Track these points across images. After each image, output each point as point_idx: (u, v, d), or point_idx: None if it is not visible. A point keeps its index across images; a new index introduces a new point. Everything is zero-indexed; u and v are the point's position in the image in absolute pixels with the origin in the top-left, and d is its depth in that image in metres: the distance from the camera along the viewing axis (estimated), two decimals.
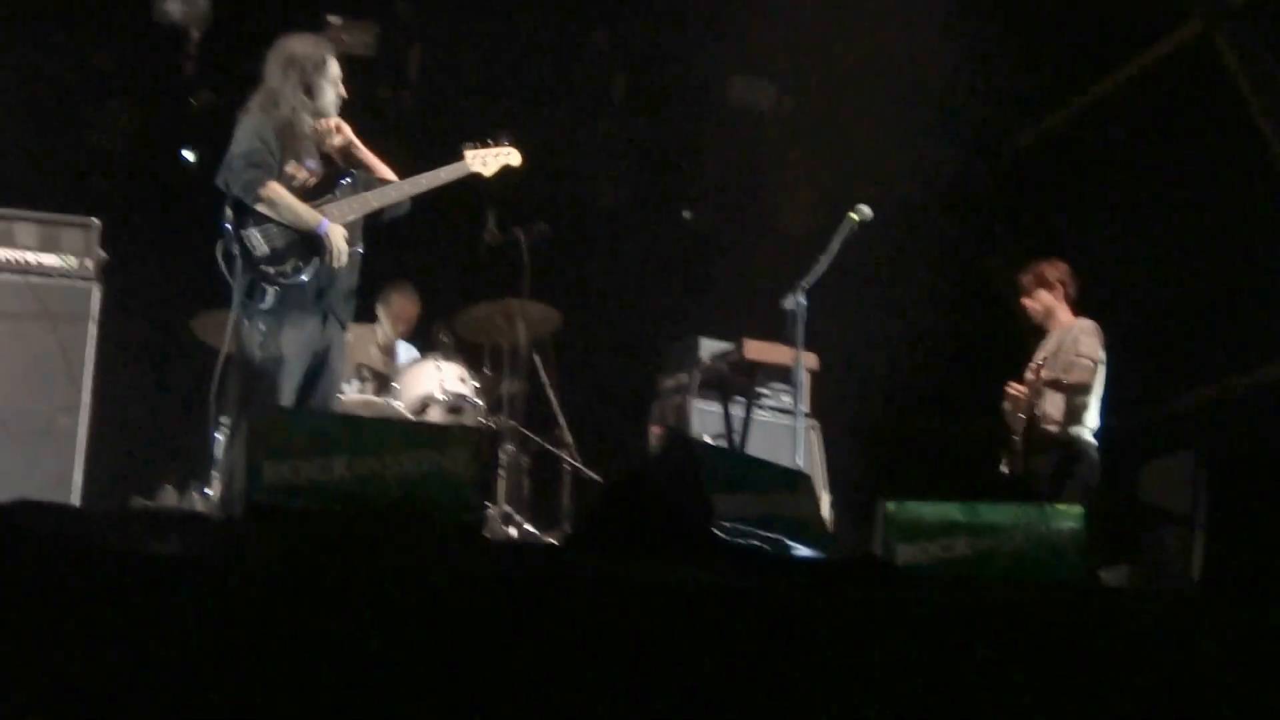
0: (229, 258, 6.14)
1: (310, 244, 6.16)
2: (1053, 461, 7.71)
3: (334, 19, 6.53)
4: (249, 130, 6.25)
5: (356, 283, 6.50)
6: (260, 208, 6.13)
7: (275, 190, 6.14)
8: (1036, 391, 7.71)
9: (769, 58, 10.52)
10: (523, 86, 10.47)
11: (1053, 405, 7.76)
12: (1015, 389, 7.91)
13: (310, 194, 6.27)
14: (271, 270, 6.11)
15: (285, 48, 6.43)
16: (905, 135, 10.15)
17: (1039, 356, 8.00)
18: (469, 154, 6.76)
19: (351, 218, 6.32)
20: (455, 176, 6.70)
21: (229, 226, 6.15)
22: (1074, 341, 7.81)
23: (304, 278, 6.15)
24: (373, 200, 6.41)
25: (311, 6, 9.41)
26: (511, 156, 6.90)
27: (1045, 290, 8.07)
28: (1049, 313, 8.08)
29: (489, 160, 6.81)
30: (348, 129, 6.54)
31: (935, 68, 9.75)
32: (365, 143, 6.59)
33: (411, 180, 6.54)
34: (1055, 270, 8.11)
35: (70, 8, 9.48)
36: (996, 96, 10.23)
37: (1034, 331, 8.22)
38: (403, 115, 9.99)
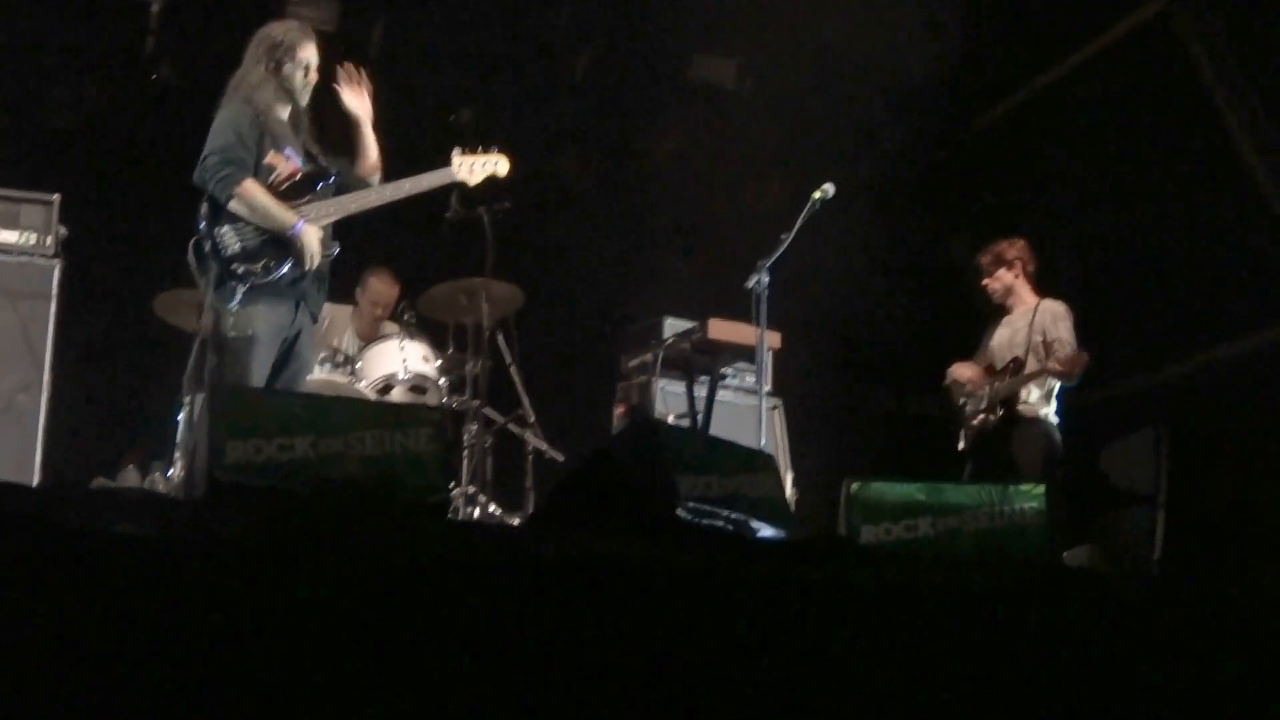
0: (200, 252, 6.07)
1: (285, 243, 6.09)
2: (1027, 441, 7.69)
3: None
4: (224, 123, 6.18)
5: (328, 271, 6.42)
6: (234, 206, 6.05)
7: (249, 190, 6.05)
8: (1029, 375, 7.65)
9: (731, 35, 10.51)
10: (485, 62, 10.43)
11: (1030, 387, 7.75)
12: (969, 372, 7.94)
13: (293, 188, 6.20)
14: (241, 269, 6.02)
15: (261, 33, 6.37)
16: (867, 113, 10.17)
17: (1001, 335, 8.00)
18: (456, 160, 6.67)
19: (329, 220, 6.25)
20: (439, 183, 6.65)
21: (203, 223, 6.07)
22: (1051, 325, 7.79)
23: (275, 276, 6.07)
24: (350, 204, 6.33)
25: None
26: (499, 165, 6.80)
27: (1005, 269, 8.06)
28: (1009, 291, 8.07)
29: (475, 168, 6.72)
30: (367, 101, 6.53)
31: (896, 45, 9.75)
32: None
33: (394, 185, 6.47)
34: (1014, 249, 8.09)
35: None
36: (958, 75, 10.24)
37: (993, 311, 8.22)
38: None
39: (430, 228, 8.27)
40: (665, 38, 10.34)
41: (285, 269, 6.09)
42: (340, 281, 6.97)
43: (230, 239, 6.04)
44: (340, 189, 6.36)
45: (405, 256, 9.24)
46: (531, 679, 3.03)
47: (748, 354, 7.85)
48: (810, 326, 9.40)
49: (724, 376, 8.43)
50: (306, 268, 6.12)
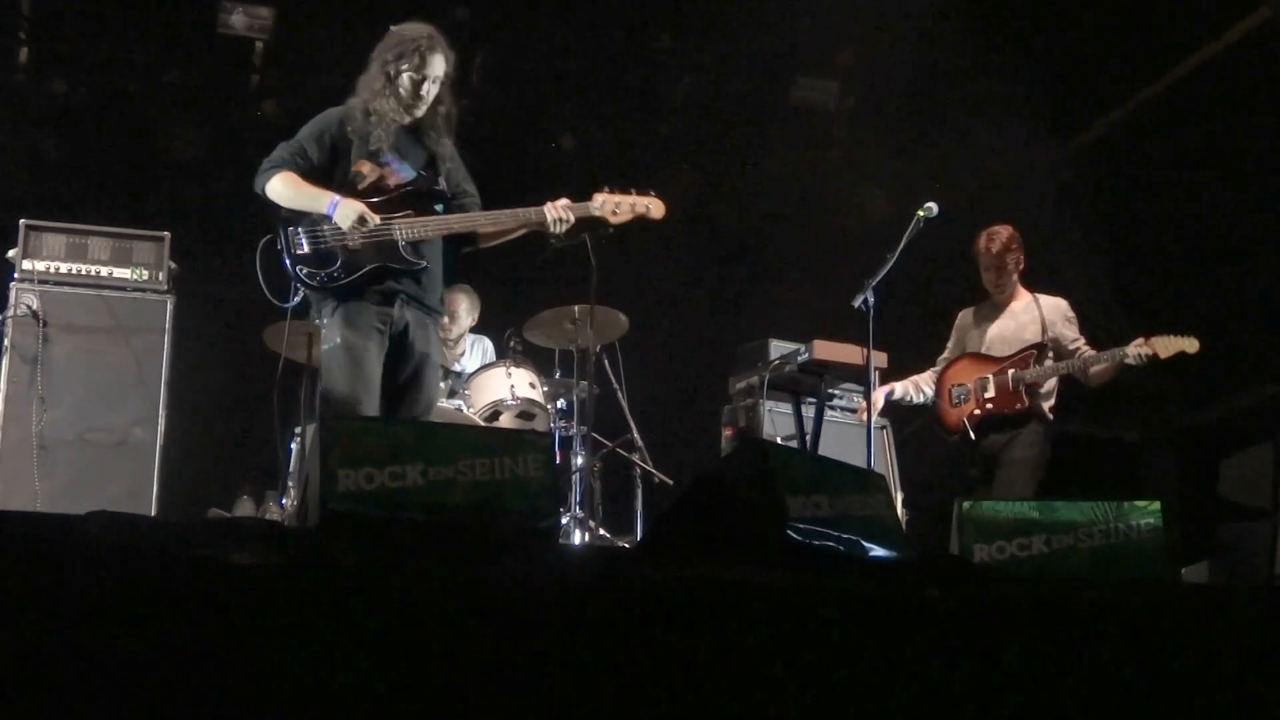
0: (268, 254, 5.88)
1: (380, 250, 5.83)
2: (1033, 443, 7.44)
3: (395, 28, 6.51)
4: (306, 127, 6.02)
5: (436, 276, 6.11)
6: (272, 197, 5.85)
7: (282, 180, 5.85)
8: (1050, 370, 7.44)
9: (831, 56, 10.50)
10: (586, 89, 10.48)
11: (1048, 385, 7.52)
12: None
13: (395, 200, 5.91)
14: (304, 271, 5.80)
15: (390, 33, 6.08)
16: (970, 130, 10.10)
17: (1003, 326, 7.72)
18: (599, 198, 6.14)
19: (428, 235, 5.94)
20: (575, 218, 6.12)
21: (281, 225, 5.88)
22: (1064, 324, 7.58)
23: (341, 282, 5.83)
24: (455, 224, 6.01)
25: (373, 15, 9.46)
26: (653, 208, 6.23)
27: (1023, 256, 7.76)
28: (1013, 284, 7.77)
29: (621, 208, 6.16)
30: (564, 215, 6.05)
31: (1000, 61, 9.69)
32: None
33: (511, 212, 6.10)
34: (1016, 234, 7.76)
35: (137, 25, 9.58)
36: (1062, 90, 10.15)
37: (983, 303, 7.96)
38: (465, 124, 9.99)
39: (534, 254, 8.31)
40: (766, 60, 10.35)
41: (352, 276, 5.82)
42: None
43: (302, 240, 5.84)
44: (450, 211, 6.06)
45: (510, 283, 9.29)
46: (644, 703, 3.02)
47: (855, 374, 7.81)
48: (917, 345, 9.34)
49: (831, 397, 8.38)
50: (347, 231, 5.79)
